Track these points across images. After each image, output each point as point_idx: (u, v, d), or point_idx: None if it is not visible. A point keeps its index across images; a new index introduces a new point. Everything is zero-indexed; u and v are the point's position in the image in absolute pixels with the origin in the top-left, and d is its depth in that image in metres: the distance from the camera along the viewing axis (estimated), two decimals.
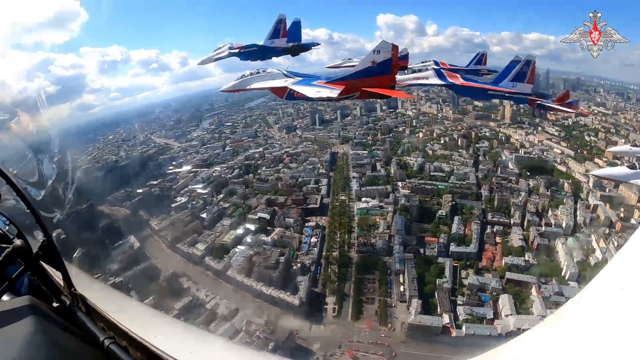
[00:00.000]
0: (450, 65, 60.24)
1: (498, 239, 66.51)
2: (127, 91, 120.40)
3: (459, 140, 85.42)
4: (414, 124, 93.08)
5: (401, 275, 63.46)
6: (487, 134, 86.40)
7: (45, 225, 4.85)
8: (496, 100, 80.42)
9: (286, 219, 75.12)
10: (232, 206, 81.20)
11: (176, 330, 6.12)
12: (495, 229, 67.74)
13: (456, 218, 69.64)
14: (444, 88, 64.10)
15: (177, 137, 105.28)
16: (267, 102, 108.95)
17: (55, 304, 4.72)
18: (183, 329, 6.34)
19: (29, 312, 3.66)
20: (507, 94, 50.76)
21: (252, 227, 75.28)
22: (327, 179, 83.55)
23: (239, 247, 72.04)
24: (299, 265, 66.84)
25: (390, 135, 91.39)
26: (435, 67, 55.90)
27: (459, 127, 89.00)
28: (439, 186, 75.69)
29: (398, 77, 44.17)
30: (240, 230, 75.24)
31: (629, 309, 3.26)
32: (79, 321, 4.41)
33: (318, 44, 66.18)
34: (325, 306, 62.15)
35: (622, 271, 3.81)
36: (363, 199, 75.69)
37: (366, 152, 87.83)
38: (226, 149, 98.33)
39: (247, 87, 45.90)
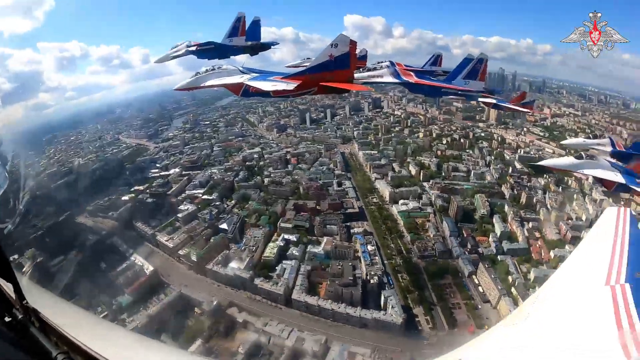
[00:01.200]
0: (405, 66, 62.01)
1: (537, 234, 70.53)
2: (83, 90, 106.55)
3: (461, 140, 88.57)
4: (409, 124, 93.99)
5: (474, 276, 63.69)
6: (483, 134, 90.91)
7: None
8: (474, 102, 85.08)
9: (327, 226, 69.77)
10: (253, 214, 73.09)
11: (133, 343, 6.28)
12: (530, 225, 71.74)
13: (496, 217, 71.63)
14: None
15: (149, 137, 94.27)
16: (240, 100, 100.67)
17: (6, 319, 4.52)
18: (140, 342, 6.48)
19: None
20: (459, 92, 50.85)
21: (292, 237, 68.01)
22: (348, 181, 79.87)
23: (285, 262, 64.26)
24: (375, 278, 61.07)
25: (392, 135, 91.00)
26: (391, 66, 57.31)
27: (454, 128, 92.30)
28: (465, 186, 77.35)
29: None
30: (280, 242, 67.22)
31: (581, 306, 4.05)
32: (32, 336, 4.29)
33: (277, 43, 63.43)
34: (417, 319, 58.24)
35: (574, 272, 4.82)
36: (401, 202, 73.87)
37: (376, 152, 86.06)
38: (214, 149, 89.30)
39: (202, 85, 42.18)
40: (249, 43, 54.09)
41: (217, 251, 66.34)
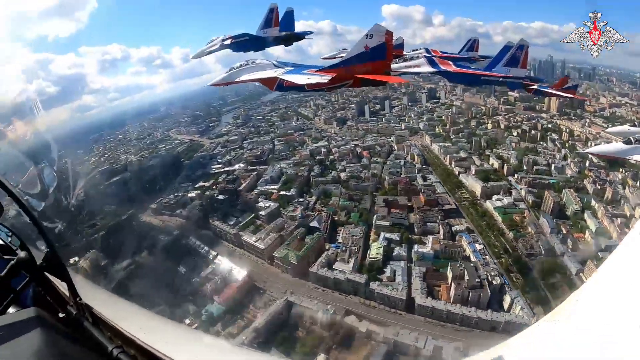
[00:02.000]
0: (442, 52, 60.73)
1: (627, 230, 69.46)
2: (125, 91, 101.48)
3: (532, 132, 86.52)
4: (474, 115, 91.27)
5: (581, 274, 61.97)
6: (549, 125, 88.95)
7: (48, 236, 4.79)
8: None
9: (427, 223, 66.11)
10: (342, 210, 68.44)
11: (184, 337, 6.48)
12: (619, 221, 70.65)
13: (587, 212, 69.56)
14: None
15: (201, 133, 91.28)
16: (286, 94, 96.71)
17: (61, 315, 4.72)
18: (192, 335, 6.54)
19: (35, 324, 3.65)
20: (501, 79, 51.16)
21: (393, 236, 63.54)
22: (431, 175, 76.04)
23: (393, 263, 59.93)
24: (497, 279, 57.80)
25: (461, 126, 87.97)
26: (427, 54, 56.01)
27: (519, 119, 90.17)
28: (550, 181, 75.33)
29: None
30: (382, 242, 62.52)
31: (626, 304, 3.77)
32: (86, 331, 4.44)
33: (311, 33, 63.86)
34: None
35: (619, 269, 4.43)
36: (495, 197, 70.91)
37: (451, 145, 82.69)
38: (276, 143, 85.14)
39: (237, 80, 44.56)
40: (283, 34, 55.02)
41: (316, 252, 61.46)
